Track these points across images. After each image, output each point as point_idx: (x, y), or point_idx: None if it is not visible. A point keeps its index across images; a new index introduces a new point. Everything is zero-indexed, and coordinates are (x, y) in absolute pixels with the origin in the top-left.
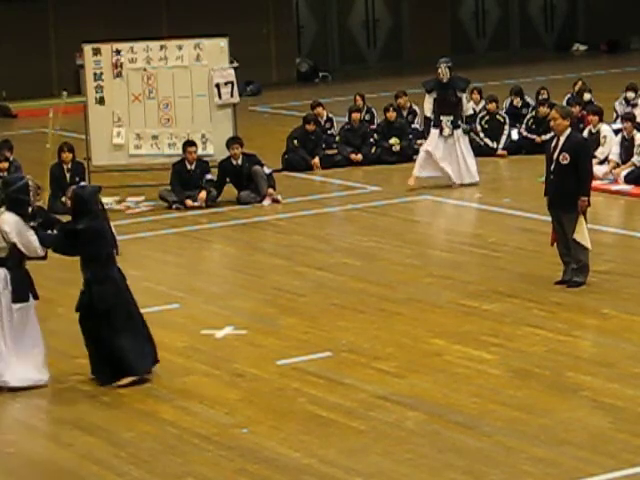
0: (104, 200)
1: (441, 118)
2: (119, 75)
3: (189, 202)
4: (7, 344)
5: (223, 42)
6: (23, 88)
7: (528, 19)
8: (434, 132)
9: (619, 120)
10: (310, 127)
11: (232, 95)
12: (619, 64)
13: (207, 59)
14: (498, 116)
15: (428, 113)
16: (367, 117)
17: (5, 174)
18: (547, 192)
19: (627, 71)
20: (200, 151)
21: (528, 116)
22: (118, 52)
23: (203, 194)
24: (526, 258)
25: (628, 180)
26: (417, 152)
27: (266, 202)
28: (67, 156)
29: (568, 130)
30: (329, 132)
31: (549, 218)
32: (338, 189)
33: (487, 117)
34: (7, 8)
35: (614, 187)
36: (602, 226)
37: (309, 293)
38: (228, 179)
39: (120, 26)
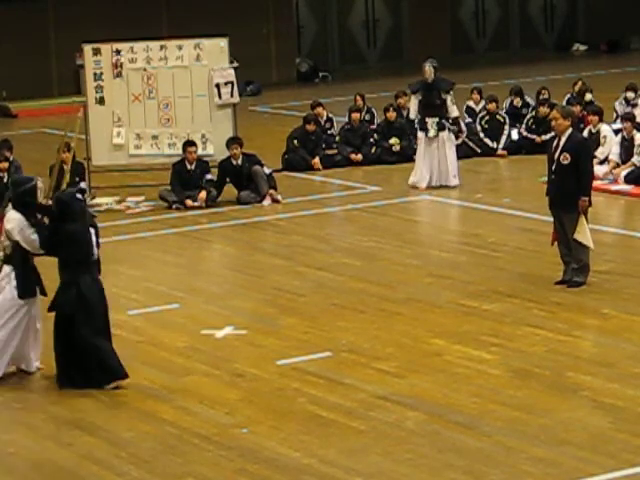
0: (104, 200)
1: (426, 120)
2: (119, 75)
3: (189, 202)
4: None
5: (223, 42)
6: (23, 88)
7: (528, 19)
8: (420, 136)
9: (619, 120)
10: (310, 127)
11: (232, 95)
12: (619, 64)
13: (207, 59)
14: (498, 116)
15: (412, 115)
16: (367, 117)
17: (5, 174)
18: (548, 192)
19: (627, 71)
20: (200, 151)
21: (528, 116)
22: (118, 52)
23: (203, 194)
24: (526, 258)
25: (628, 180)
26: (416, 152)
27: (266, 202)
28: (67, 156)
29: (569, 130)
30: (329, 132)
31: (549, 218)
32: (338, 189)
33: (487, 117)
34: (7, 8)
35: (614, 187)
36: (602, 226)
37: (309, 293)
38: (228, 179)
39: (120, 26)
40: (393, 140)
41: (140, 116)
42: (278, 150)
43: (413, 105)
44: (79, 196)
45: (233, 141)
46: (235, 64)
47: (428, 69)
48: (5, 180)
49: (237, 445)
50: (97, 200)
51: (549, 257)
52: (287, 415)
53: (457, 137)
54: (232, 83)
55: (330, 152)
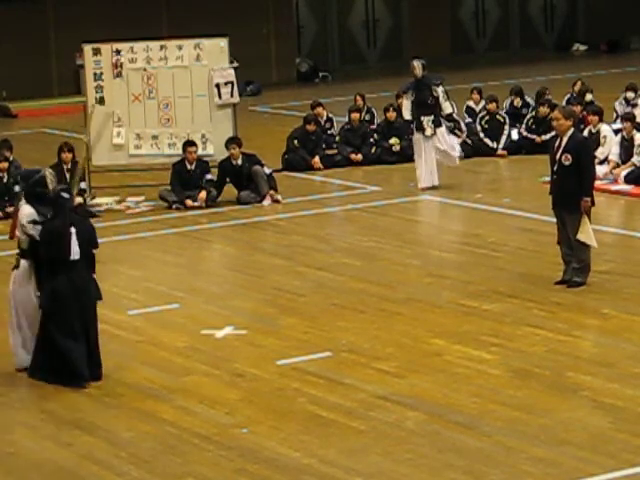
0: (104, 200)
1: (422, 119)
2: (119, 75)
3: (189, 202)
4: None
5: (223, 42)
6: (23, 88)
7: (528, 19)
8: (417, 137)
9: (619, 120)
10: (310, 127)
11: (232, 95)
12: (619, 64)
13: (207, 59)
14: (498, 116)
15: (407, 116)
16: (367, 117)
17: (5, 174)
18: (551, 192)
19: (627, 71)
20: (200, 151)
21: (528, 116)
22: (118, 52)
23: (203, 194)
24: (526, 258)
25: (628, 180)
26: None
27: (266, 202)
28: (67, 156)
29: (571, 130)
30: (329, 132)
31: (549, 218)
32: (338, 189)
33: (487, 117)
34: (7, 8)
35: (614, 187)
36: (602, 226)
37: (309, 293)
38: (228, 179)
39: (120, 26)
40: (393, 140)
41: (140, 116)
42: (278, 150)
43: (406, 106)
44: (65, 195)
45: (232, 141)
46: (235, 64)
47: (417, 65)
48: (5, 180)
49: (237, 445)
50: (97, 200)
51: (549, 257)
52: (287, 415)
53: (456, 135)
54: (232, 83)
55: (330, 152)
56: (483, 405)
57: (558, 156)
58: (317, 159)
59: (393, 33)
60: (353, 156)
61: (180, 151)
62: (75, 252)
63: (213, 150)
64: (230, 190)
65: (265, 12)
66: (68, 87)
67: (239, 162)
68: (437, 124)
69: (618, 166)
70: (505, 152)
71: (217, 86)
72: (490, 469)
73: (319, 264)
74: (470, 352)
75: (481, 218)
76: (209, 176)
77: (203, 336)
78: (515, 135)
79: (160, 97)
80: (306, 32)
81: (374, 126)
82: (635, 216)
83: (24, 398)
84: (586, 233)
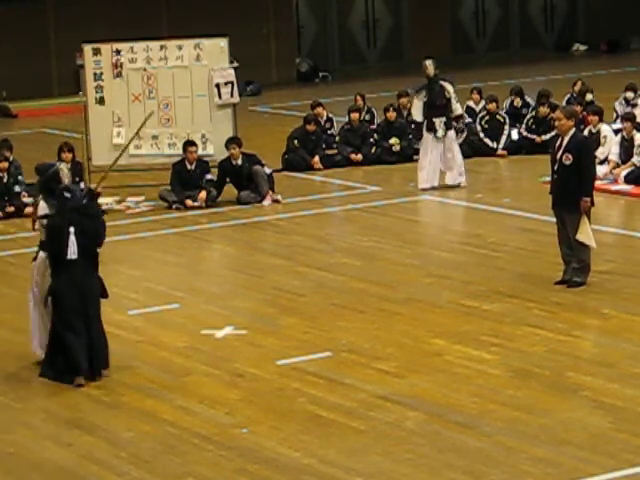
0: (104, 200)
1: (433, 120)
2: (119, 75)
3: (189, 202)
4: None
5: (223, 42)
6: (23, 88)
7: (528, 19)
8: (427, 136)
9: (619, 120)
10: (310, 127)
11: (232, 95)
12: (619, 64)
13: (207, 59)
14: (498, 116)
15: (419, 118)
16: (367, 117)
17: (5, 174)
18: (551, 191)
19: (627, 71)
20: (200, 151)
21: (528, 116)
22: (118, 52)
23: (203, 194)
24: (526, 258)
25: (628, 180)
26: (417, 152)
27: (266, 202)
28: (67, 156)
29: (572, 130)
30: (329, 132)
31: (549, 218)
32: (338, 189)
33: (487, 117)
34: (7, 8)
35: (614, 187)
36: (602, 226)
37: (309, 293)
38: (228, 179)
39: (120, 26)
40: (393, 140)
41: (140, 116)
42: (278, 150)
43: (417, 107)
44: (66, 194)
45: (231, 141)
46: (235, 64)
47: (429, 64)
48: (5, 180)
49: (237, 445)
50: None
51: (549, 257)
52: (287, 415)
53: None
54: (232, 83)
55: (330, 152)
56: (483, 405)
57: (559, 156)
58: (317, 159)
59: (393, 33)
60: (353, 156)
61: (180, 151)
62: (72, 252)
63: (213, 150)
64: (230, 190)
65: (265, 12)
66: (68, 87)
67: (239, 162)
68: (449, 126)
69: (618, 166)
70: (505, 152)
71: (217, 86)
72: (490, 469)
73: (319, 264)
74: (470, 352)
75: (481, 218)
76: (209, 176)
77: (203, 336)
78: (515, 135)
79: (160, 97)
80: (306, 32)
81: (374, 126)
82: (635, 216)
83: (24, 398)
84: (585, 233)
